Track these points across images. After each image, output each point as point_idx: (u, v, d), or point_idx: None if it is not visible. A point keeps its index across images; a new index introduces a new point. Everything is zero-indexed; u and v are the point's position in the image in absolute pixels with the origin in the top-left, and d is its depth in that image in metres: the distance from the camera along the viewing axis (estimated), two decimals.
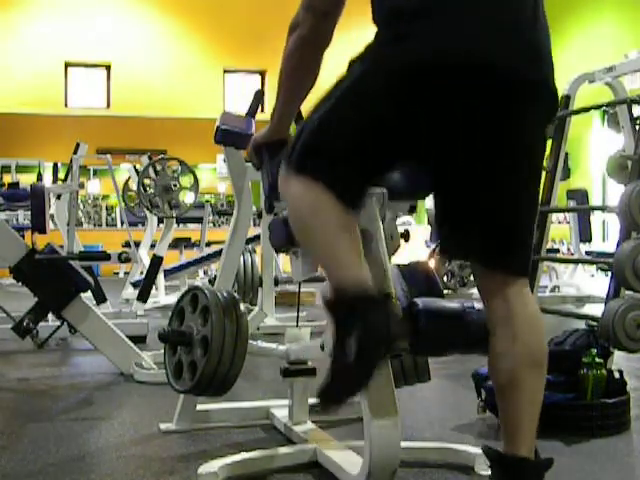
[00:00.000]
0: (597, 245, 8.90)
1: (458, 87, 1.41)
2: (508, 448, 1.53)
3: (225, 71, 13.30)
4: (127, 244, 6.52)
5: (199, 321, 2.05)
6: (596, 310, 3.79)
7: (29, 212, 5.88)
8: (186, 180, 6.36)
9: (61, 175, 7.80)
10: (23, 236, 6.18)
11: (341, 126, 1.47)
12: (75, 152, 5.93)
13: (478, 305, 1.79)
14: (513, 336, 1.51)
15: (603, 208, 6.42)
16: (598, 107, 3.79)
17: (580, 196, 7.66)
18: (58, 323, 3.62)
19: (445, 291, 6.73)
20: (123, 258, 5.08)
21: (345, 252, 1.42)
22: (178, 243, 7.88)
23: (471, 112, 1.43)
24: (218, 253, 5.93)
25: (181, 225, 9.97)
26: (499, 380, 1.56)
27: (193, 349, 2.04)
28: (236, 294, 2.18)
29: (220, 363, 1.96)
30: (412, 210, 2.13)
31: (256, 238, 5.20)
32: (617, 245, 3.10)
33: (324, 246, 1.44)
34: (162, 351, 3.70)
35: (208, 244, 7.69)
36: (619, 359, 3.29)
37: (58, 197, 6.53)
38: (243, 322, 2.03)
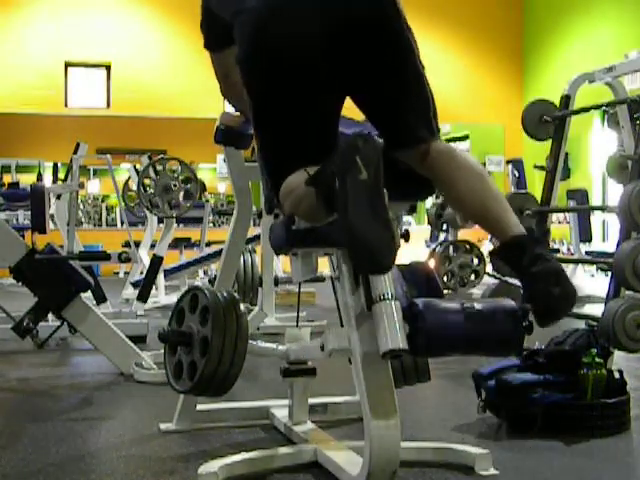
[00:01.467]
0: (597, 245, 8.90)
1: None
2: (502, 237, 1.80)
3: None
4: (127, 244, 6.52)
5: (199, 321, 2.04)
6: (596, 310, 3.79)
7: (29, 212, 5.88)
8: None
9: (61, 175, 7.80)
10: (23, 236, 6.17)
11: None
12: (75, 152, 5.93)
13: (478, 305, 1.79)
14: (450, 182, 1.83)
15: (603, 208, 6.42)
16: (598, 107, 3.78)
17: (580, 196, 7.67)
18: (58, 323, 3.62)
19: (445, 291, 6.73)
20: (123, 258, 5.09)
21: None
22: (178, 243, 7.88)
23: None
24: (218, 253, 5.92)
25: (181, 225, 9.97)
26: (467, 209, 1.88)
27: (193, 349, 2.04)
28: (236, 294, 2.18)
29: (220, 363, 1.96)
30: (412, 210, 2.14)
31: (256, 238, 5.20)
32: (617, 245, 3.10)
33: None
34: (162, 351, 3.71)
35: (208, 244, 7.69)
36: (619, 359, 3.29)
37: (58, 197, 6.52)
38: (243, 322, 2.02)
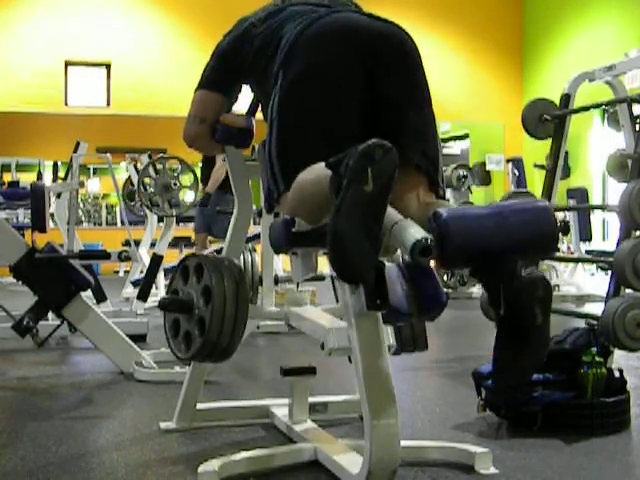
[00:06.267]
0: (597, 244, 8.90)
1: None
2: None
3: None
4: (127, 243, 6.52)
5: (198, 287, 2.00)
6: (596, 309, 3.80)
7: (29, 211, 5.87)
8: (186, 179, 6.36)
9: (61, 174, 7.81)
10: (23, 235, 6.16)
11: None
12: (75, 151, 5.92)
13: (508, 203, 1.76)
14: None
15: (603, 207, 6.42)
16: (598, 106, 3.78)
17: (580, 195, 7.66)
18: (58, 322, 3.62)
19: (445, 290, 6.72)
20: (123, 257, 5.08)
21: None
22: (178, 242, 7.88)
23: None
24: (218, 252, 5.92)
25: (181, 224, 9.96)
26: None
27: (194, 316, 1.99)
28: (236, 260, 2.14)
29: (223, 327, 1.92)
30: None
31: (256, 237, 5.19)
32: (617, 244, 3.10)
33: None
34: (162, 350, 3.72)
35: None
36: (619, 358, 3.29)
37: (58, 196, 6.52)
38: (243, 282, 1.99)
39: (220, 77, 2.25)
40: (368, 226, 1.61)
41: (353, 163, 1.60)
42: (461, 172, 7.94)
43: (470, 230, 1.69)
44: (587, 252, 7.32)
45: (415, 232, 1.65)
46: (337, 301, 2.04)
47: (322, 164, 1.75)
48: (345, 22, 2.01)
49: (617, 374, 2.62)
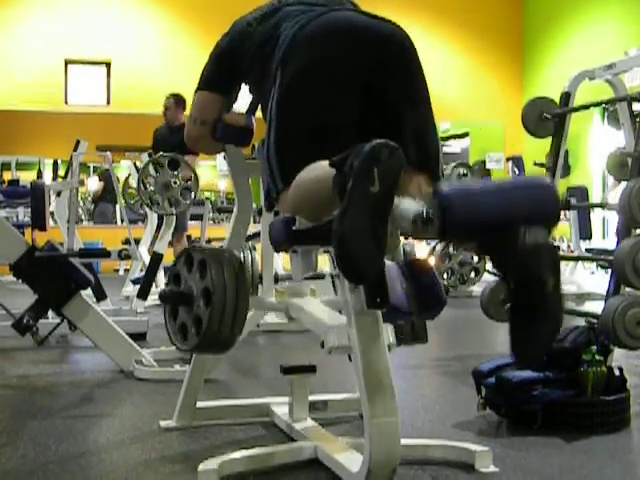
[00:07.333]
0: (597, 242, 8.89)
1: None
2: None
3: None
4: (127, 241, 6.51)
5: (198, 278, 2.00)
6: (596, 307, 3.80)
7: (29, 209, 5.87)
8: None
9: (61, 172, 7.79)
10: (23, 233, 6.14)
11: None
12: (75, 149, 5.91)
13: (508, 179, 1.74)
14: None
15: (603, 205, 6.41)
16: (598, 104, 3.78)
17: (580, 193, 7.65)
18: (58, 320, 3.62)
19: (444, 288, 6.72)
20: (123, 255, 5.08)
21: None
22: None
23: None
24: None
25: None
26: None
27: (194, 308, 1.98)
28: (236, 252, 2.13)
29: (224, 314, 1.92)
30: None
31: (256, 235, 5.19)
32: (617, 242, 3.10)
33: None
34: (162, 348, 3.73)
35: (208, 241, 7.67)
36: (619, 356, 3.29)
37: (58, 194, 6.51)
38: (243, 272, 1.99)
39: (218, 78, 2.25)
40: (374, 227, 1.61)
41: (359, 164, 1.59)
42: (461, 171, 7.93)
43: (471, 200, 1.68)
44: (587, 250, 7.31)
45: (414, 205, 1.66)
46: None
47: (323, 162, 1.75)
48: (344, 20, 2.01)
49: (617, 372, 2.62)
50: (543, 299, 1.65)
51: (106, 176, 9.03)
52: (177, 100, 7.31)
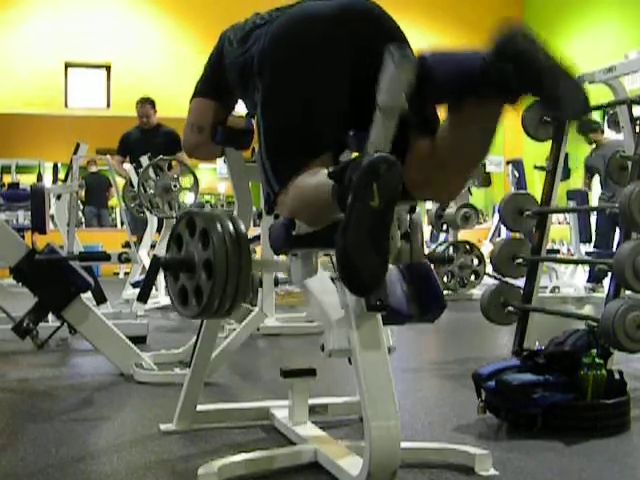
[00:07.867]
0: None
1: None
2: None
3: None
4: (127, 244, 6.51)
5: (199, 243, 1.98)
6: (596, 311, 3.80)
7: (29, 212, 5.87)
8: (186, 181, 6.36)
9: (61, 175, 7.80)
10: (23, 236, 6.17)
11: None
12: (75, 152, 5.92)
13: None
14: None
15: (603, 208, 6.43)
16: (598, 108, 3.79)
17: (580, 197, 7.66)
18: (58, 324, 3.62)
19: (445, 291, 6.74)
20: (123, 258, 5.08)
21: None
22: None
23: None
24: None
25: None
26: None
27: (196, 273, 1.96)
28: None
29: (226, 288, 1.89)
30: (412, 210, 2.13)
31: (256, 238, 5.19)
32: (617, 245, 3.10)
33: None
34: (162, 352, 3.73)
35: None
36: (619, 359, 3.29)
37: (58, 197, 6.52)
38: (245, 239, 1.97)
39: (211, 87, 2.26)
40: (376, 241, 1.61)
41: (358, 178, 1.58)
42: None
43: (447, 59, 1.73)
44: (587, 254, 7.32)
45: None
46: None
47: (322, 170, 1.75)
48: (315, 6, 1.93)
49: (617, 376, 2.62)
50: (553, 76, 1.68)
51: (87, 180, 8.99)
52: (152, 103, 7.47)
